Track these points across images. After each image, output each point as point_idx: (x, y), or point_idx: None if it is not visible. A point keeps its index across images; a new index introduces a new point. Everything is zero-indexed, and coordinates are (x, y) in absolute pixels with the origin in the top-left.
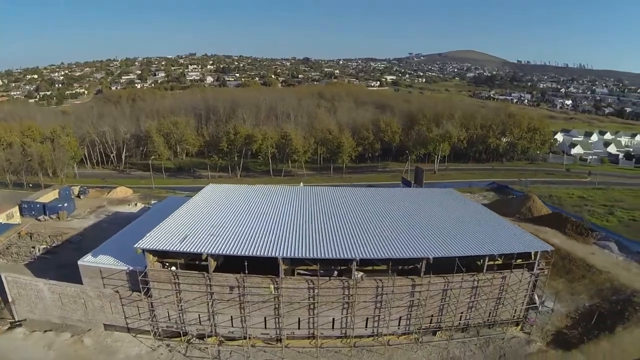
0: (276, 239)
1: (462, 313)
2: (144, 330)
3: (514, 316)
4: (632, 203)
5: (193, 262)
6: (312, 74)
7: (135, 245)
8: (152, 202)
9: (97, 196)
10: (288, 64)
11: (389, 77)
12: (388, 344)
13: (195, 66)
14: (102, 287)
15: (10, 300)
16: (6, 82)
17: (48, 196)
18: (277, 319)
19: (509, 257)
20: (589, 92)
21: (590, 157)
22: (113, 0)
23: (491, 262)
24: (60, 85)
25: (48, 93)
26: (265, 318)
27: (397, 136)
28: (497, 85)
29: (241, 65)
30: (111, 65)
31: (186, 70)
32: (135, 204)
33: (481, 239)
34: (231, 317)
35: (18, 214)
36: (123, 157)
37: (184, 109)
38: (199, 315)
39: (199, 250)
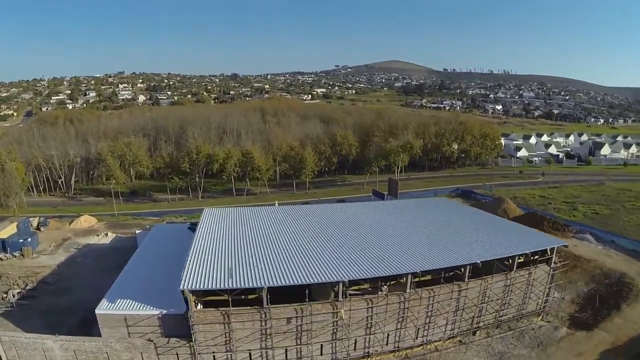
0: (324, 262)
1: (497, 311)
2: None
3: (538, 308)
4: (588, 198)
5: (239, 296)
6: (243, 89)
7: (181, 287)
8: (137, 231)
9: (58, 227)
10: (217, 80)
11: (319, 90)
12: (436, 350)
13: (125, 85)
14: (127, 337)
15: None
16: None
17: (6, 231)
18: (333, 343)
19: (529, 254)
20: (517, 97)
21: (536, 158)
22: (35, 18)
23: (520, 260)
24: None
25: None
26: (321, 345)
27: (353, 149)
28: (427, 94)
29: (171, 83)
30: (38, 85)
31: (117, 89)
32: (106, 234)
33: (506, 240)
34: (285, 349)
35: None
36: (72, 182)
37: (132, 129)
38: (249, 353)
39: (255, 284)
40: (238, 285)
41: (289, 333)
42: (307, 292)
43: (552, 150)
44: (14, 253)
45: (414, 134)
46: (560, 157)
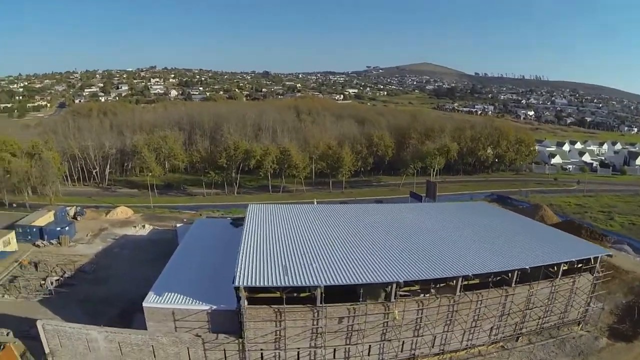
0: (376, 262)
1: (540, 317)
2: None
3: (579, 317)
4: (625, 208)
5: (291, 294)
6: (275, 87)
7: (236, 283)
8: (177, 225)
9: (95, 217)
10: (249, 77)
11: (351, 91)
12: (480, 355)
13: (157, 79)
14: (173, 331)
15: (47, 352)
16: None
17: (44, 219)
18: (381, 344)
19: (574, 262)
20: (549, 103)
21: (570, 166)
22: (68, 12)
23: (564, 268)
24: (21, 97)
25: (9, 105)
26: (370, 346)
27: (390, 150)
28: (459, 97)
29: (203, 79)
30: (71, 77)
31: (149, 83)
32: (143, 226)
33: (551, 246)
34: (334, 349)
35: (15, 240)
36: (106, 173)
37: (167, 123)
38: (298, 351)
39: (312, 282)
40: (294, 283)
41: (339, 332)
42: (360, 291)
43: (586, 158)
44: (52, 241)
45: (450, 138)
46: (594, 165)
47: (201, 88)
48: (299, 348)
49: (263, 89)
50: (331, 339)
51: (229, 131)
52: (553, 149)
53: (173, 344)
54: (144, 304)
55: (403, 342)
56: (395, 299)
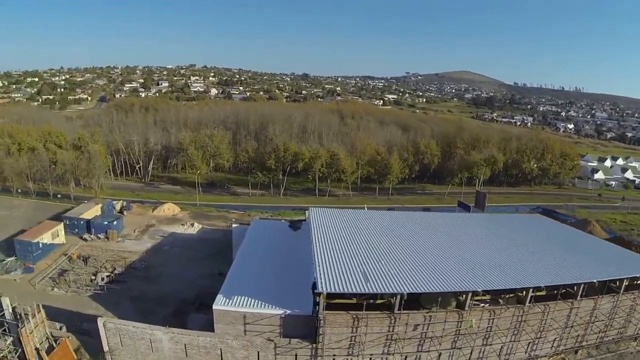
0: (449, 270)
1: (600, 331)
2: None
3: (636, 332)
4: None
5: (366, 301)
6: (314, 90)
7: (320, 289)
8: (234, 225)
9: (141, 212)
10: (288, 79)
11: (390, 96)
12: None
13: (197, 77)
14: (242, 335)
15: (105, 350)
16: (6, 83)
17: (91, 212)
18: (451, 352)
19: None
20: (589, 116)
21: (613, 182)
22: (108, 6)
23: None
24: (62, 89)
25: (50, 97)
26: (440, 353)
27: (435, 159)
28: (498, 107)
29: (242, 78)
30: (112, 72)
31: (188, 81)
32: (192, 225)
33: (613, 261)
34: (406, 356)
35: (63, 232)
36: (149, 169)
37: (212, 121)
38: (370, 357)
39: (393, 290)
40: (377, 290)
41: (413, 339)
42: (439, 299)
43: (629, 175)
44: (99, 235)
45: (496, 149)
46: (636, 182)
47: (241, 87)
48: (371, 354)
49: (303, 91)
50: (404, 346)
51: (274, 132)
52: (595, 164)
53: (243, 348)
54: (215, 307)
55: (472, 350)
56: (468, 307)
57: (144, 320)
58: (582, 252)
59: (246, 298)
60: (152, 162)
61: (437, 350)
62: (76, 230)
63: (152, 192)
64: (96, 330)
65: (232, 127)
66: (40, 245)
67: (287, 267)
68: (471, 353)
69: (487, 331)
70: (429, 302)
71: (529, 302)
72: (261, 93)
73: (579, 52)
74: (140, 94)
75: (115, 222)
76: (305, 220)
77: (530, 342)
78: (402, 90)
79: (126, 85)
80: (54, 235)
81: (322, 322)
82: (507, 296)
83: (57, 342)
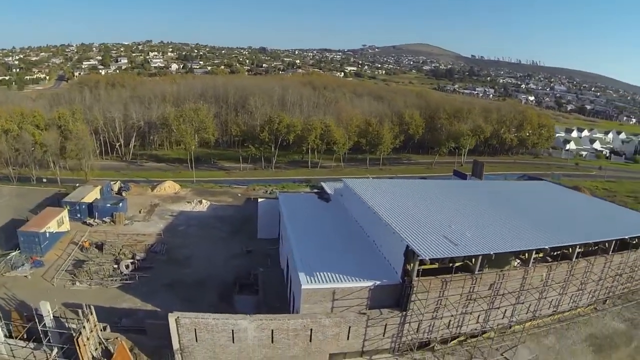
0: (512, 231)
1: (626, 281)
2: (380, 350)
3: None
4: None
5: (447, 265)
6: (275, 63)
7: (423, 257)
8: (260, 200)
9: (140, 192)
10: (246, 53)
11: (350, 68)
12: (580, 315)
13: (155, 53)
14: (329, 312)
15: (175, 348)
16: None
17: (91, 195)
18: (514, 307)
19: None
20: (548, 89)
21: (584, 152)
22: None
23: None
24: (18, 69)
25: (6, 78)
26: (505, 309)
27: (420, 129)
28: (458, 79)
29: (201, 53)
30: (67, 50)
31: (147, 57)
32: (200, 202)
33: (631, 220)
34: (478, 314)
35: (67, 219)
36: (131, 146)
37: (191, 95)
38: (449, 319)
39: (481, 252)
40: (469, 253)
41: (486, 298)
42: (509, 258)
43: (597, 146)
44: (105, 219)
45: (482, 119)
46: (603, 152)
47: (201, 62)
48: (451, 315)
49: (263, 64)
50: (479, 305)
51: (255, 104)
52: (562, 134)
53: (335, 325)
54: (304, 287)
55: (530, 304)
56: (532, 264)
57: (191, 308)
58: (605, 212)
59: (329, 274)
60: (133, 140)
61: (504, 306)
62: (78, 215)
63: (140, 171)
64: (137, 324)
65: (211, 101)
66: (47, 235)
67: (348, 239)
68: (529, 307)
69: (543, 285)
70: (497, 261)
71: (577, 258)
72: (222, 67)
73: (535, 25)
74: (100, 71)
75: (120, 204)
76: (320, 191)
77: (572, 295)
78: (360, 62)
79: (84, 62)
80: (59, 222)
81: (415, 288)
82: (555, 253)
83: (113, 345)
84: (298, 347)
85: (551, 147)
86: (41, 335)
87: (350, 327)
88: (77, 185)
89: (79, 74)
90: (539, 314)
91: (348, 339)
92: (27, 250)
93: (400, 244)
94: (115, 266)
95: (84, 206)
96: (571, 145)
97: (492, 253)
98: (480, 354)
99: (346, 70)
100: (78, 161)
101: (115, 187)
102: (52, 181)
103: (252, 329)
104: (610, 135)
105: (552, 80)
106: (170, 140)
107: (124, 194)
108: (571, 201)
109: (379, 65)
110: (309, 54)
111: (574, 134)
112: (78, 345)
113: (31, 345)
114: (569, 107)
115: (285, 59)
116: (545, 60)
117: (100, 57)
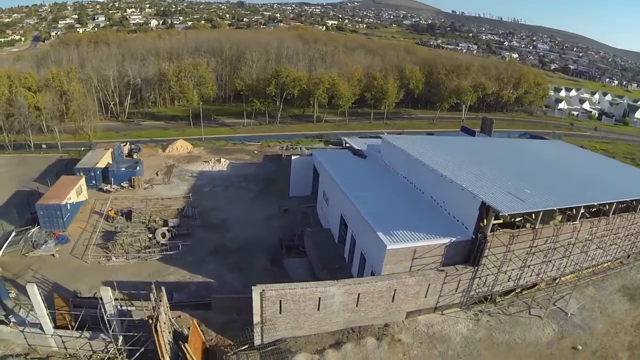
0: (560, 187)
1: None
2: (450, 305)
3: None
4: None
5: (509, 221)
6: (255, 17)
7: (503, 212)
8: (294, 157)
9: (152, 154)
10: (224, 7)
11: (331, 22)
12: (610, 268)
13: (133, 9)
14: (409, 270)
15: (256, 322)
16: None
17: (103, 159)
18: (562, 260)
19: None
20: (531, 47)
21: (576, 112)
22: None
23: None
24: None
25: None
26: (554, 263)
27: (420, 84)
28: (439, 34)
29: (179, 8)
30: (40, 10)
31: (125, 13)
32: (218, 160)
33: None
34: (533, 268)
35: (85, 187)
36: (126, 105)
37: (185, 50)
38: (510, 273)
39: (551, 206)
40: (541, 208)
41: (542, 252)
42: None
43: (586, 106)
44: (122, 184)
45: (481, 75)
46: (592, 113)
47: (181, 17)
48: (512, 269)
49: (244, 19)
50: (537, 257)
51: (252, 58)
52: (552, 93)
53: (417, 284)
54: (388, 247)
55: (573, 257)
56: (580, 219)
57: (242, 276)
58: (625, 172)
59: (407, 232)
60: (128, 99)
61: (555, 259)
62: (93, 182)
63: (140, 130)
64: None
65: (206, 56)
66: (69, 207)
67: (403, 197)
68: (572, 260)
69: (586, 240)
70: (544, 217)
71: (614, 214)
72: (203, 22)
73: None
74: (78, 30)
75: (137, 168)
76: (351, 147)
77: (607, 249)
78: (340, 16)
79: (60, 22)
80: (78, 192)
81: (489, 243)
82: (592, 210)
83: (181, 327)
84: (380, 308)
85: (544, 105)
86: (100, 324)
87: (429, 285)
88: (82, 149)
89: (56, 33)
90: (579, 267)
91: (426, 296)
92: (47, 225)
93: (472, 201)
94: (150, 235)
95: (98, 172)
96: (563, 105)
97: (564, 207)
98: (536, 305)
99: (328, 24)
100: (79, 123)
101: (125, 150)
102: (52, 146)
103: (340, 295)
104: (597, 96)
105: (535, 38)
106: (164, 97)
107: (135, 155)
108: (592, 160)
109: (359, 20)
110: (288, 7)
111: (563, 93)
112: (156, 332)
113: (86, 334)
114: (553, 66)
115: (265, 13)
116: (527, 18)
117: (76, 16)
